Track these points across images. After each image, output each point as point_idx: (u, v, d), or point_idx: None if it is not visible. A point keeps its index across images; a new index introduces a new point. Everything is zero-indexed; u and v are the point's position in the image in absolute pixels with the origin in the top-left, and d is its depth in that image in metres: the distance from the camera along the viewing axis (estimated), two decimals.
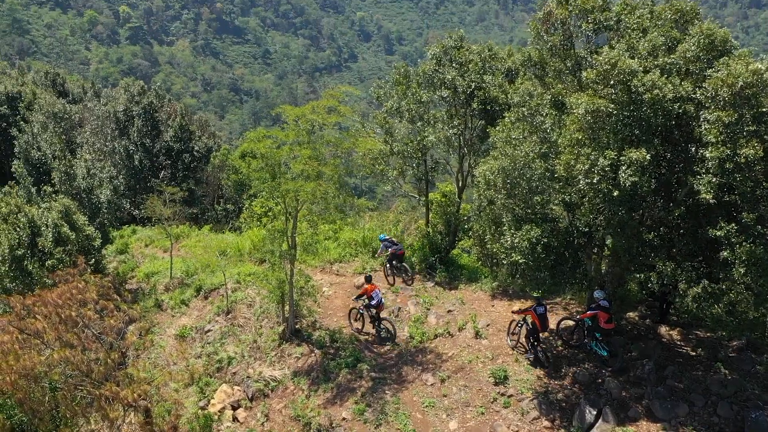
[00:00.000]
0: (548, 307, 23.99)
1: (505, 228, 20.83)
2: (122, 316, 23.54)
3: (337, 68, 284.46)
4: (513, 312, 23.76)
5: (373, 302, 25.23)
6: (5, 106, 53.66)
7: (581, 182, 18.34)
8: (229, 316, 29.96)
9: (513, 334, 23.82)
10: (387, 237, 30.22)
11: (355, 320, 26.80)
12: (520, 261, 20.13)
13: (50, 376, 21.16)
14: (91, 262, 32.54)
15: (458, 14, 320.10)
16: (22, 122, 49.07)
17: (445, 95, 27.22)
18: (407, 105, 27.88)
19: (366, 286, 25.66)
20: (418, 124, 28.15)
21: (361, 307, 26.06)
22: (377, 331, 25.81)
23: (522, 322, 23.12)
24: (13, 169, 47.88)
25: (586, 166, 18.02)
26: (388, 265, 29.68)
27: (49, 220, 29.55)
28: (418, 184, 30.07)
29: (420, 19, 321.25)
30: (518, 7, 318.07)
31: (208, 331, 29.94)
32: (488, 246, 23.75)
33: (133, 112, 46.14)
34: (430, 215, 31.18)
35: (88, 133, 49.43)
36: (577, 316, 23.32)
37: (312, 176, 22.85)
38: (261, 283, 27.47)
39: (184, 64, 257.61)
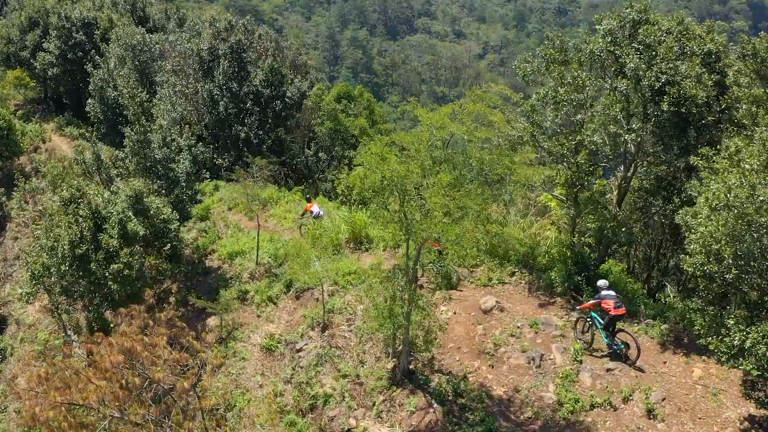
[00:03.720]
0: None
1: (730, 321, 14.57)
2: (195, 373, 18.67)
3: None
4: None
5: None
6: (81, 33, 48.74)
7: None
8: (326, 334, 24.85)
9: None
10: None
11: None
12: (754, 373, 13.98)
13: None
14: (166, 248, 27.99)
15: None
16: (97, 56, 44.07)
17: (623, 87, 20.40)
18: (566, 93, 21.19)
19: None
20: (578, 117, 21.55)
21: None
22: None
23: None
24: (87, 109, 43.45)
25: None
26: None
27: (115, 211, 24.57)
28: (565, 188, 23.65)
29: None
30: None
31: (300, 349, 24.99)
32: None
33: (219, 51, 40.45)
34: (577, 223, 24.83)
35: (169, 67, 44.16)
36: (578, 307, 22.13)
37: (454, 214, 16.80)
38: (370, 319, 21.92)
39: None
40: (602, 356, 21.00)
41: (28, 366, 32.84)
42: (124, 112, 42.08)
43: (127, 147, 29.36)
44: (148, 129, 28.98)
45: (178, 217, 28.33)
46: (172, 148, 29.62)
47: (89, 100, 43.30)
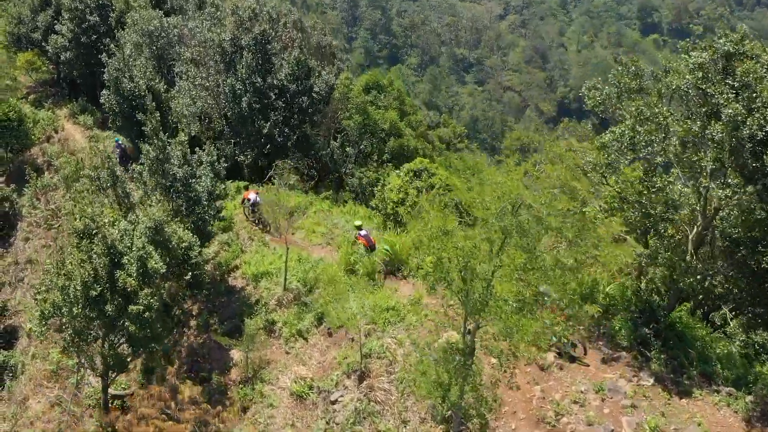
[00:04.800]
0: None
1: None
2: None
3: None
4: None
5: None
6: (95, 15, 45.90)
7: None
8: (364, 385, 22.54)
9: None
10: None
11: None
12: None
13: None
14: (187, 276, 25.69)
15: None
16: (112, 44, 41.32)
17: (717, 135, 17.52)
18: (646, 134, 18.37)
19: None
20: (658, 159, 18.78)
21: None
22: None
23: None
24: (102, 100, 40.89)
25: None
26: None
27: (135, 246, 22.17)
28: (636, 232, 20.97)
29: None
30: None
31: (335, 401, 22.73)
32: None
33: (242, 42, 37.58)
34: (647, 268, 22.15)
35: (188, 55, 41.39)
36: None
37: (529, 306, 14.21)
38: (417, 388, 19.51)
39: None
40: None
41: (41, 387, 31.02)
42: (141, 103, 39.61)
43: (145, 164, 26.83)
44: (167, 144, 26.41)
45: (199, 242, 25.91)
46: (193, 164, 27.06)
47: (104, 91, 40.61)
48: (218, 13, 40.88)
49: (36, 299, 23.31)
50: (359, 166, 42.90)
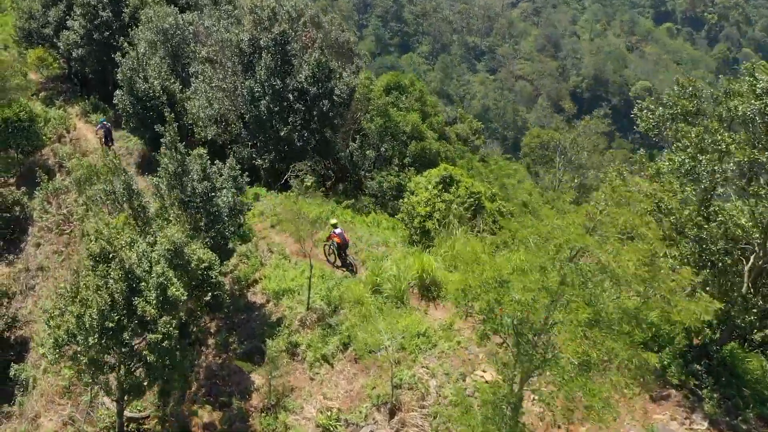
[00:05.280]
0: None
1: None
2: None
3: None
4: None
5: None
6: (108, 11, 44.49)
7: None
8: (395, 420, 21.30)
9: None
10: None
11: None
12: None
13: None
14: (206, 297, 24.44)
15: None
16: (125, 43, 39.93)
17: None
18: (708, 164, 16.97)
19: None
20: (720, 190, 17.40)
21: None
22: None
23: None
24: (115, 101, 39.61)
25: None
26: None
27: (154, 273, 20.91)
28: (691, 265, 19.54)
29: None
30: None
31: None
32: None
33: (261, 43, 36.16)
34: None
35: (203, 53, 40.04)
36: None
37: (596, 366, 12.88)
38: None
39: None
40: None
41: (52, 404, 29.90)
42: (155, 104, 38.35)
43: (163, 178, 25.50)
44: (186, 157, 25.08)
45: (219, 261, 24.64)
46: (213, 178, 25.74)
47: (117, 91, 39.31)
48: (235, 11, 39.47)
49: (48, 324, 22.02)
50: (379, 168, 41.58)
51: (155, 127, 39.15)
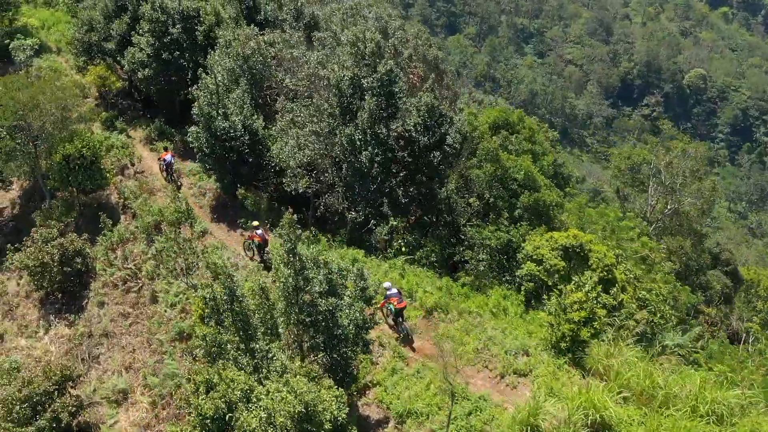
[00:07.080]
0: None
1: None
2: None
3: None
4: None
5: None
6: (178, 27, 39.40)
7: None
8: None
9: None
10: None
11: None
12: None
13: None
14: None
15: None
16: (200, 70, 35.00)
17: None
18: None
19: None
20: None
21: None
22: None
23: None
24: (189, 138, 34.80)
25: None
26: None
27: None
28: None
29: None
30: None
31: None
32: None
33: (363, 84, 30.91)
34: None
35: (287, 82, 34.98)
36: None
37: None
38: None
39: None
40: None
41: None
42: (236, 145, 33.49)
43: (281, 294, 20.43)
44: (306, 265, 20.05)
45: (345, 398, 19.74)
46: (339, 291, 20.75)
47: (192, 128, 34.34)
48: (327, 41, 34.24)
49: None
50: (480, 218, 36.35)
51: (235, 168, 34.61)
